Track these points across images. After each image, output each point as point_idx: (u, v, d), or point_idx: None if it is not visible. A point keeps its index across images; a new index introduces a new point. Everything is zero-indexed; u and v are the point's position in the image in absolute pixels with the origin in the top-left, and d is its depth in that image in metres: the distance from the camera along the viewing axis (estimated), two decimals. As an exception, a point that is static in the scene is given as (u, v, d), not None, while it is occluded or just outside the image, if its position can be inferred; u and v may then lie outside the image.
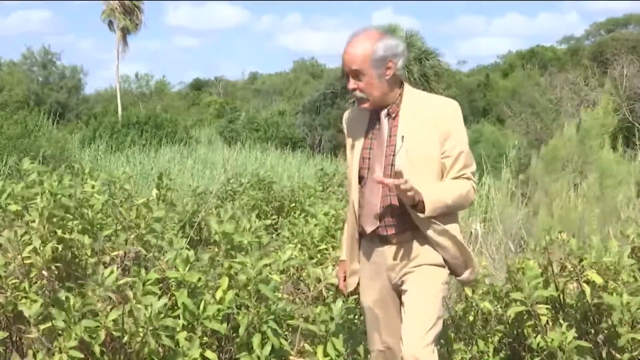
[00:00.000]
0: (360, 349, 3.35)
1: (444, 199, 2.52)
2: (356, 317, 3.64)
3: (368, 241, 2.72)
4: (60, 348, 2.53)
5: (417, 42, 23.16)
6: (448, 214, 2.59)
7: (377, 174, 2.58)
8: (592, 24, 50.98)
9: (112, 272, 2.67)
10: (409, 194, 2.40)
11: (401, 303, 2.66)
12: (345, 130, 2.81)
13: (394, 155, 2.57)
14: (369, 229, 2.64)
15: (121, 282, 2.68)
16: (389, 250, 2.65)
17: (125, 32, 38.24)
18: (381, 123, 2.63)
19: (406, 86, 2.65)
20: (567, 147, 9.59)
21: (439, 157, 2.56)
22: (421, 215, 2.49)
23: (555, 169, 8.86)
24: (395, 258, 2.65)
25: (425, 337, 2.50)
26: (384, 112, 2.62)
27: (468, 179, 2.59)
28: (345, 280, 2.86)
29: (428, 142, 2.55)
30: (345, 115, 2.84)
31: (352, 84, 2.56)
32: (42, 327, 2.61)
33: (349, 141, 2.77)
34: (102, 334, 2.60)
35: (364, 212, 2.66)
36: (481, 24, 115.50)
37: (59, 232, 2.94)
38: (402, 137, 2.56)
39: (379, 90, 2.57)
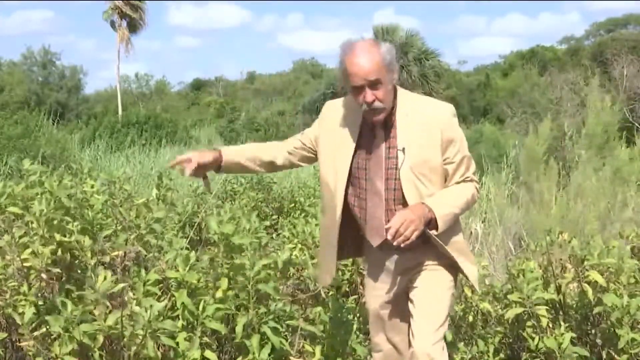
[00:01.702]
0: (360, 349, 3.35)
1: (453, 210, 2.48)
2: (356, 317, 3.64)
3: (377, 248, 2.66)
4: (56, 354, 2.52)
5: (417, 43, 23.18)
6: (452, 227, 2.57)
7: (379, 187, 2.53)
8: (592, 24, 51.01)
9: (105, 278, 2.65)
10: (415, 231, 2.34)
11: (410, 300, 2.65)
12: (325, 120, 2.65)
13: (396, 168, 2.49)
14: (375, 242, 2.61)
15: (116, 288, 2.65)
16: (399, 256, 2.64)
17: (128, 31, 38.21)
18: (377, 132, 2.53)
19: (400, 90, 2.56)
20: (567, 144, 9.57)
21: (441, 164, 2.51)
22: (434, 232, 2.44)
23: (537, 167, 8.81)
24: (406, 264, 2.64)
25: (436, 333, 2.52)
26: (379, 123, 2.51)
27: (471, 180, 2.57)
28: (192, 162, 2.53)
29: (430, 152, 2.49)
30: (330, 108, 2.67)
31: (369, 95, 2.40)
32: (36, 333, 2.61)
33: (330, 140, 2.61)
34: (101, 338, 2.59)
35: (368, 226, 2.60)
36: (482, 24, 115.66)
37: (57, 236, 2.92)
38: (403, 149, 2.48)
39: (391, 96, 2.48)
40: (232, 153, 2.69)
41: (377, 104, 2.42)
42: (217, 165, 2.63)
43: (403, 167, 2.48)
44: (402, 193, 2.49)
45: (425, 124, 2.49)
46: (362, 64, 2.38)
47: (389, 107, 2.47)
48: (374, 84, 2.39)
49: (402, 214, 2.36)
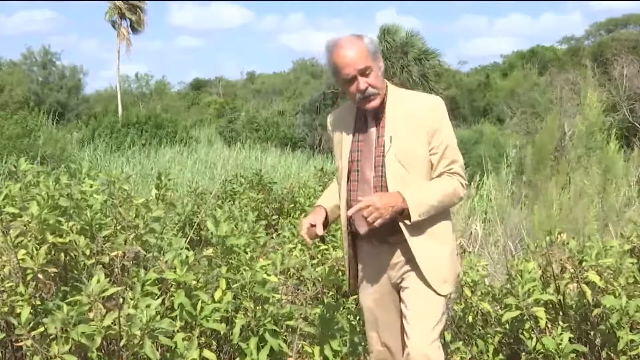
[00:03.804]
0: (359, 350, 3.35)
1: (428, 200, 2.51)
2: (356, 317, 3.63)
3: (366, 242, 2.71)
4: (54, 353, 2.52)
5: (418, 43, 23.13)
6: (437, 219, 2.59)
7: (368, 175, 2.60)
8: (592, 24, 50.99)
9: (98, 280, 2.64)
10: (378, 219, 2.40)
11: (401, 300, 2.65)
12: (331, 133, 2.83)
13: (383, 156, 2.57)
14: (362, 230, 2.63)
15: (109, 292, 2.64)
16: (388, 249, 2.65)
17: (128, 31, 38.22)
18: (369, 124, 2.64)
19: (389, 85, 2.67)
20: (567, 144, 9.59)
21: (427, 155, 2.57)
22: (408, 222, 2.49)
23: (545, 167, 8.83)
24: (395, 258, 2.64)
25: (431, 333, 2.52)
26: (370, 113, 2.63)
27: (454, 173, 2.59)
28: (311, 227, 2.68)
29: (415, 141, 2.56)
30: (330, 117, 2.86)
31: (362, 83, 2.53)
32: (34, 332, 2.60)
33: (336, 142, 2.78)
34: (99, 339, 2.58)
35: (356, 214, 2.62)
36: (484, 24, 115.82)
37: (51, 237, 2.92)
38: (390, 137, 2.57)
39: (382, 83, 2.60)
40: (326, 201, 2.84)
41: (370, 89, 2.55)
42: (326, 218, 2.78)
43: (389, 153, 2.56)
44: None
45: (412, 115, 2.58)
46: (349, 55, 2.53)
47: (382, 92, 2.60)
48: (364, 72, 2.53)
49: (371, 198, 2.42)
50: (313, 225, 2.68)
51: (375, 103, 2.58)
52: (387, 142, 2.57)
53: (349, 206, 2.68)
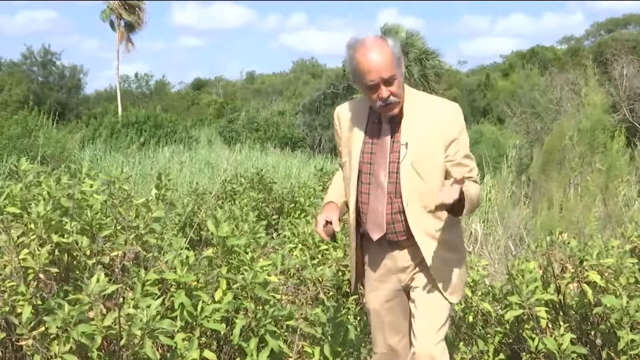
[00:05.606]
0: (360, 350, 3.34)
1: (473, 197, 2.46)
2: (356, 318, 3.63)
3: (376, 245, 2.67)
4: (55, 353, 2.52)
5: (418, 43, 23.13)
6: (449, 227, 2.59)
7: (382, 181, 2.54)
8: (592, 24, 51.07)
9: (98, 279, 2.63)
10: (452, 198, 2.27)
11: (410, 299, 2.65)
12: (339, 127, 2.73)
13: (398, 162, 2.52)
14: (375, 236, 2.60)
15: (109, 290, 2.63)
16: (399, 254, 2.64)
17: (127, 31, 38.16)
18: (383, 127, 2.57)
19: (407, 89, 2.59)
20: (567, 144, 9.57)
21: (443, 163, 2.52)
22: (458, 216, 2.44)
23: (554, 167, 8.83)
24: (406, 261, 2.63)
25: (437, 334, 2.52)
26: (385, 117, 2.56)
27: (475, 182, 2.56)
28: (326, 225, 2.60)
29: (432, 149, 2.51)
30: (339, 110, 2.74)
31: (385, 91, 2.44)
32: (34, 332, 2.60)
33: (345, 138, 2.69)
34: (99, 339, 2.58)
35: (368, 219, 2.61)
36: (486, 25, 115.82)
37: (55, 237, 2.91)
38: (406, 144, 2.51)
39: (403, 89, 2.53)
40: (336, 197, 2.75)
41: (392, 98, 2.47)
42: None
43: (404, 161, 2.51)
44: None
45: (430, 121, 2.52)
46: (376, 60, 2.42)
47: (402, 100, 2.52)
48: (388, 81, 2.44)
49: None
50: (329, 222, 2.60)
51: (395, 111, 2.52)
52: (403, 148, 2.51)
53: (358, 209, 2.65)
